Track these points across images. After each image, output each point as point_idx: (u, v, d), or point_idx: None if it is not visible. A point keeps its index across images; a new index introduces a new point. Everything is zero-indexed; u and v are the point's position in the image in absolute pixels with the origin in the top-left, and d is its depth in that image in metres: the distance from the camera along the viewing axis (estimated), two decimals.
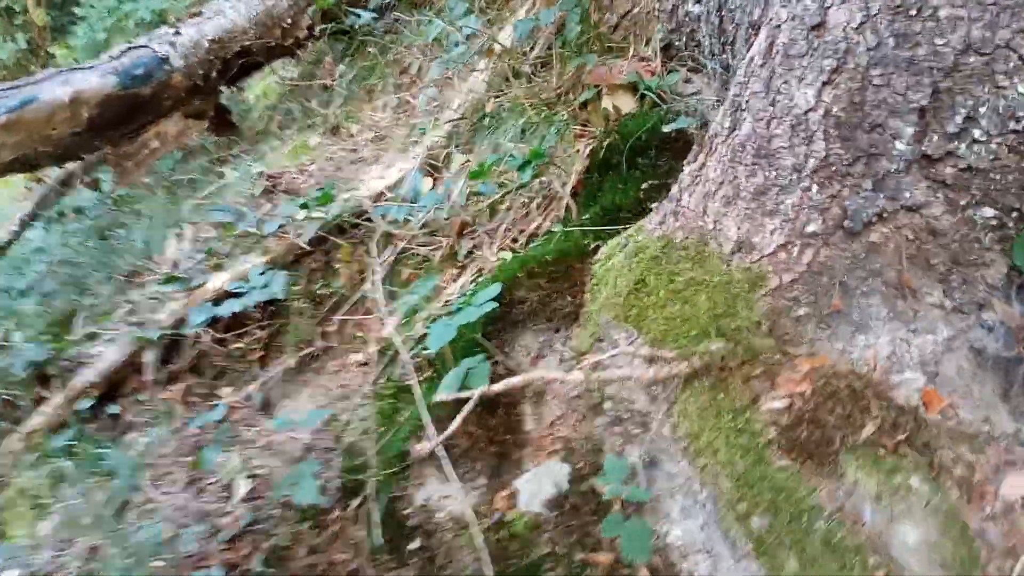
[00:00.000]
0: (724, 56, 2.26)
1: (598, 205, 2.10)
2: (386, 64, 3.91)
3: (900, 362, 1.52)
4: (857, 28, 1.48)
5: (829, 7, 1.52)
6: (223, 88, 3.94)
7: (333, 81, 3.96)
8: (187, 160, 4.14)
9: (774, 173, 1.59)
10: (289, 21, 3.91)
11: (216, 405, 2.07)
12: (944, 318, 1.54)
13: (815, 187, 1.55)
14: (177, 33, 3.65)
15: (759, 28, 1.68)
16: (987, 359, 1.54)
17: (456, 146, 2.71)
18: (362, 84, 3.89)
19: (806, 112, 1.54)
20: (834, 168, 1.53)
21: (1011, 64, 1.36)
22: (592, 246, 1.91)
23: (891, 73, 1.46)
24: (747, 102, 1.65)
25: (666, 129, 1.99)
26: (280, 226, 2.55)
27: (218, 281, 2.64)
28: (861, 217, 1.53)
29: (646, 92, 2.40)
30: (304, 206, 2.47)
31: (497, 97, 2.77)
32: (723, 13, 2.16)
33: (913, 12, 1.42)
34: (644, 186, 2.04)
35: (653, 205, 1.98)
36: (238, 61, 3.79)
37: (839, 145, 1.52)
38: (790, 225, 1.57)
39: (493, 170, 2.32)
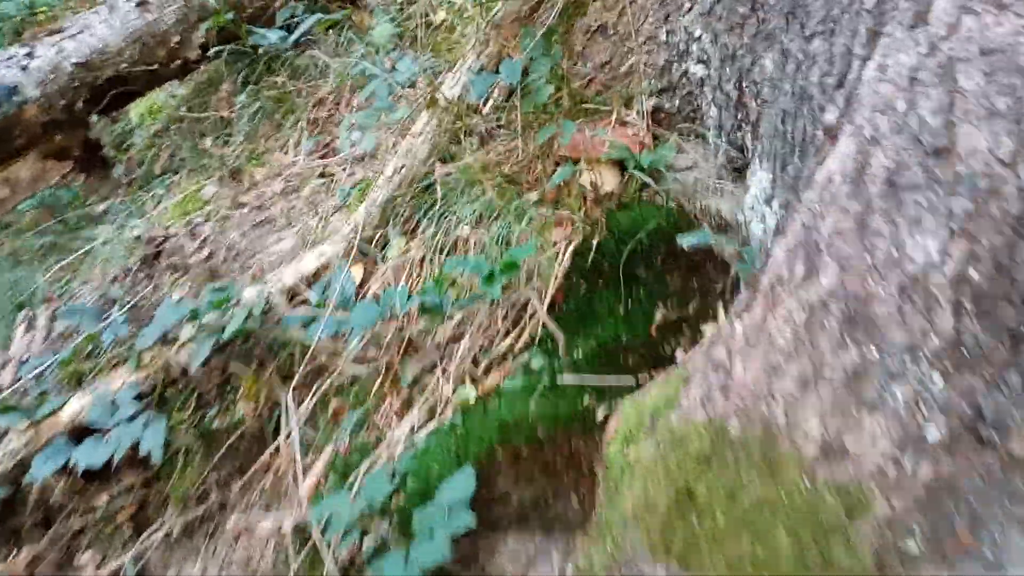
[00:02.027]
0: (739, 134, 1.79)
1: (592, 338, 1.60)
2: (297, 93, 3.28)
3: None
4: (1009, 162, 1.02)
5: (958, 126, 1.06)
6: (93, 118, 3.22)
7: (232, 113, 3.30)
8: (49, 208, 3.39)
9: (876, 351, 1.12)
10: (177, 39, 3.23)
11: None
12: None
13: (938, 376, 1.09)
14: (30, 55, 2.93)
15: (835, 134, 1.21)
16: None
17: (393, 223, 2.15)
18: (268, 118, 3.25)
19: (925, 271, 1.08)
20: (967, 352, 1.07)
21: None
22: (597, 412, 1.41)
23: None
24: (829, 242, 1.17)
25: (684, 244, 1.50)
26: (161, 335, 1.92)
27: (75, 406, 2.00)
28: (1003, 421, 1.08)
29: (636, 172, 1.90)
30: (194, 315, 1.86)
31: (444, 162, 2.22)
32: (744, 85, 1.69)
33: None
34: (657, 317, 1.54)
35: (677, 354, 1.50)
36: (112, 88, 3.09)
37: (975, 321, 1.06)
38: (901, 427, 1.11)
39: (450, 278, 1.78)
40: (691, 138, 2.11)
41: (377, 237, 2.15)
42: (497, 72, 2.14)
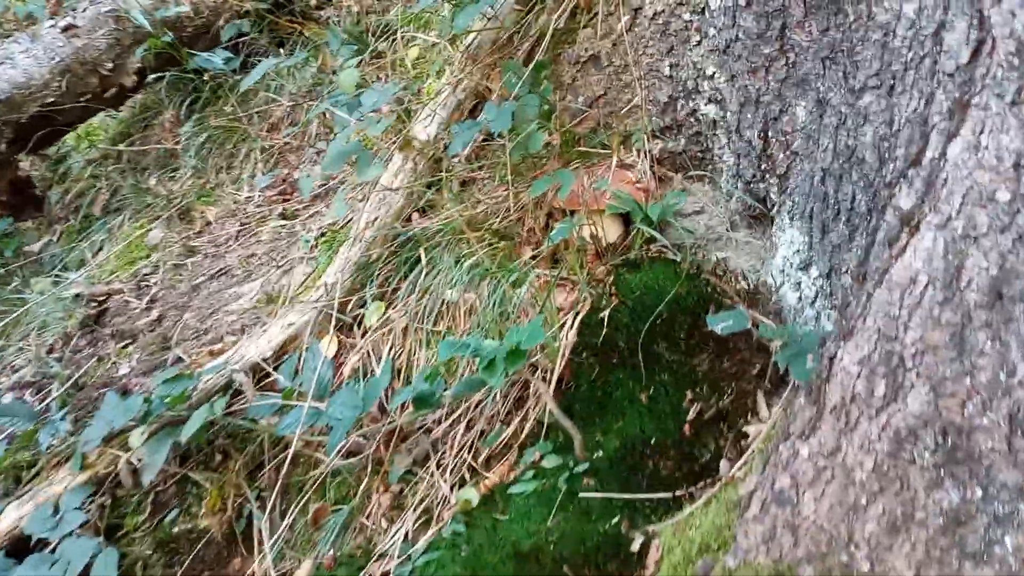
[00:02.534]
0: (761, 186, 1.60)
1: (613, 435, 1.40)
2: (248, 121, 3.00)
3: None
4: None
5: None
6: (20, 157, 2.91)
7: (176, 144, 3.00)
8: None
9: (981, 491, 0.94)
10: (109, 66, 2.92)
11: None
12: None
13: None
14: None
15: (915, 223, 1.02)
16: None
17: (369, 285, 1.92)
18: (218, 149, 2.97)
19: None
20: None
21: None
22: (632, 537, 1.21)
23: None
24: (916, 357, 0.98)
25: (717, 329, 1.30)
26: (106, 436, 1.66)
27: (13, 515, 1.73)
28: None
29: (643, 226, 1.70)
30: (147, 415, 1.60)
31: (423, 213, 1.99)
32: (771, 134, 1.50)
33: None
34: (689, 412, 1.35)
35: (721, 465, 1.30)
36: (39, 125, 2.77)
37: None
38: None
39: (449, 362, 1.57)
40: (697, 179, 1.91)
41: (351, 302, 1.91)
42: (474, 114, 1.91)
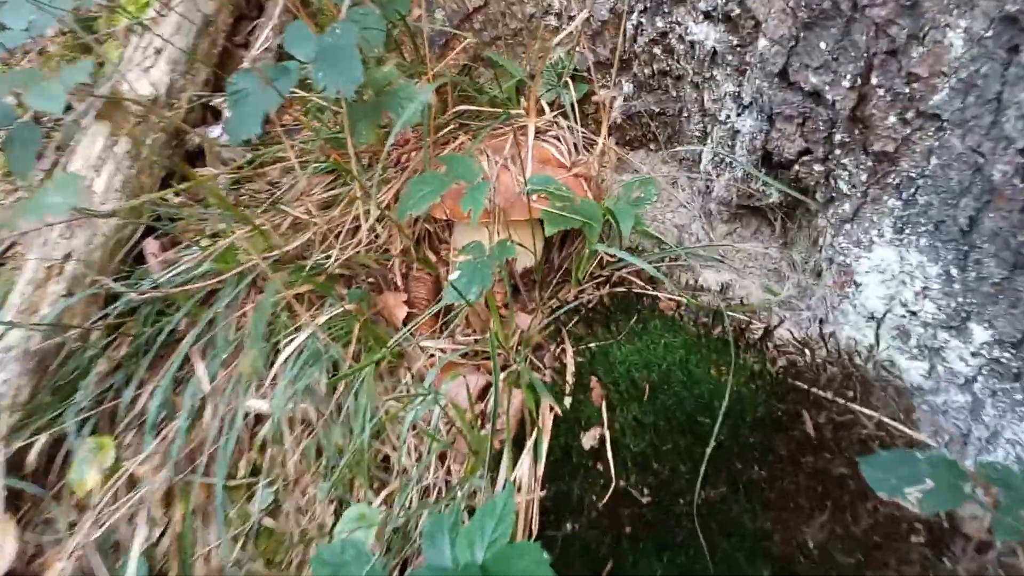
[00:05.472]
0: (816, 169, 0.93)
1: None
2: None
3: None
4: None
5: None
6: None
7: None
8: None
9: None
10: None
11: None
12: None
13: None
14: None
15: None
16: None
17: (72, 399, 0.95)
18: None
19: None
20: None
21: None
22: None
23: None
24: None
25: (907, 502, 0.63)
26: None
27: None
28: None
29: (617, 251, 0.96)
30: None
31: (170, 244, 1.04)
32: (877, 81, 0.82)
33: None
34: None
35: None
36: None
37: None
38: None
39: None
40: (628, 144, 1.20)
41: (39, 441, 0.94)
42: (234, 40, 0.99)
